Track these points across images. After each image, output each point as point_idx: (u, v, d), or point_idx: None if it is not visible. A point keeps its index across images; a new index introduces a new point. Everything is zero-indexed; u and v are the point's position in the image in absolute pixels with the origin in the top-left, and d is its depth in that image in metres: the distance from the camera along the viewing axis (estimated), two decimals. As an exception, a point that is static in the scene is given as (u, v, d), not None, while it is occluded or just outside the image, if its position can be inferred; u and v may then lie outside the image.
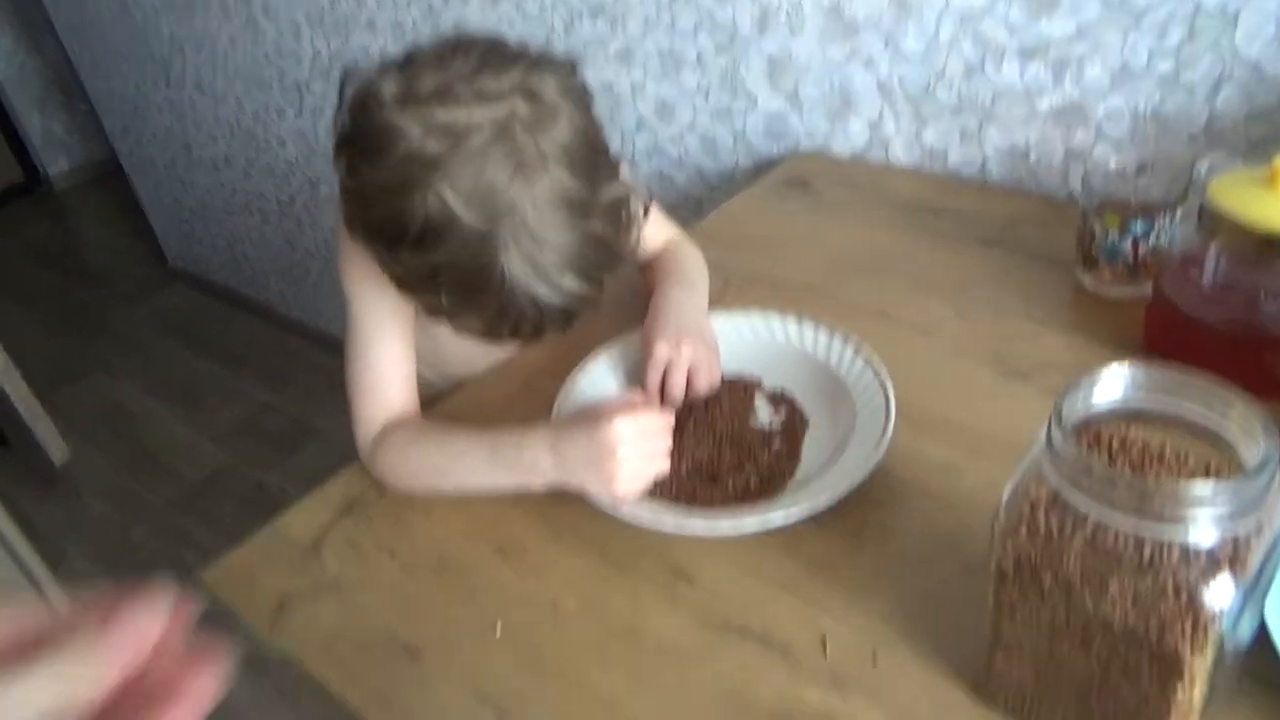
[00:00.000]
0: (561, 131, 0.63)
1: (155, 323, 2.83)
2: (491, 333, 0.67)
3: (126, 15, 2.32)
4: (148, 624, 0.31)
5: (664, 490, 0.70)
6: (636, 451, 0.66)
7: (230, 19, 2.02)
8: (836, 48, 1.13)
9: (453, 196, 0.60)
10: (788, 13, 1.14)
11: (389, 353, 0.78)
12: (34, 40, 3.65)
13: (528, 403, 0.83)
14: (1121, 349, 0.79)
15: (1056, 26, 0.95)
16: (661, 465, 0.68)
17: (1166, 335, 0.77)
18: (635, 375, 0.81)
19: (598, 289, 0.66)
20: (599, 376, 0.81)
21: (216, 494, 2.12)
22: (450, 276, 0.63)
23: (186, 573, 1.85)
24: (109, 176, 3.39)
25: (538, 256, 0.62)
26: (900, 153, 1.14)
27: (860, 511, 0.67)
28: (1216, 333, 0.72)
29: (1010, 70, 1.00)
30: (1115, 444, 0.49)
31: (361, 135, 0.63)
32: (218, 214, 2.60)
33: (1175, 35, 0.88)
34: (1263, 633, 0.52)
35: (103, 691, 0.30)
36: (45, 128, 3.84)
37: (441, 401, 0.85)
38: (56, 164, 3.90)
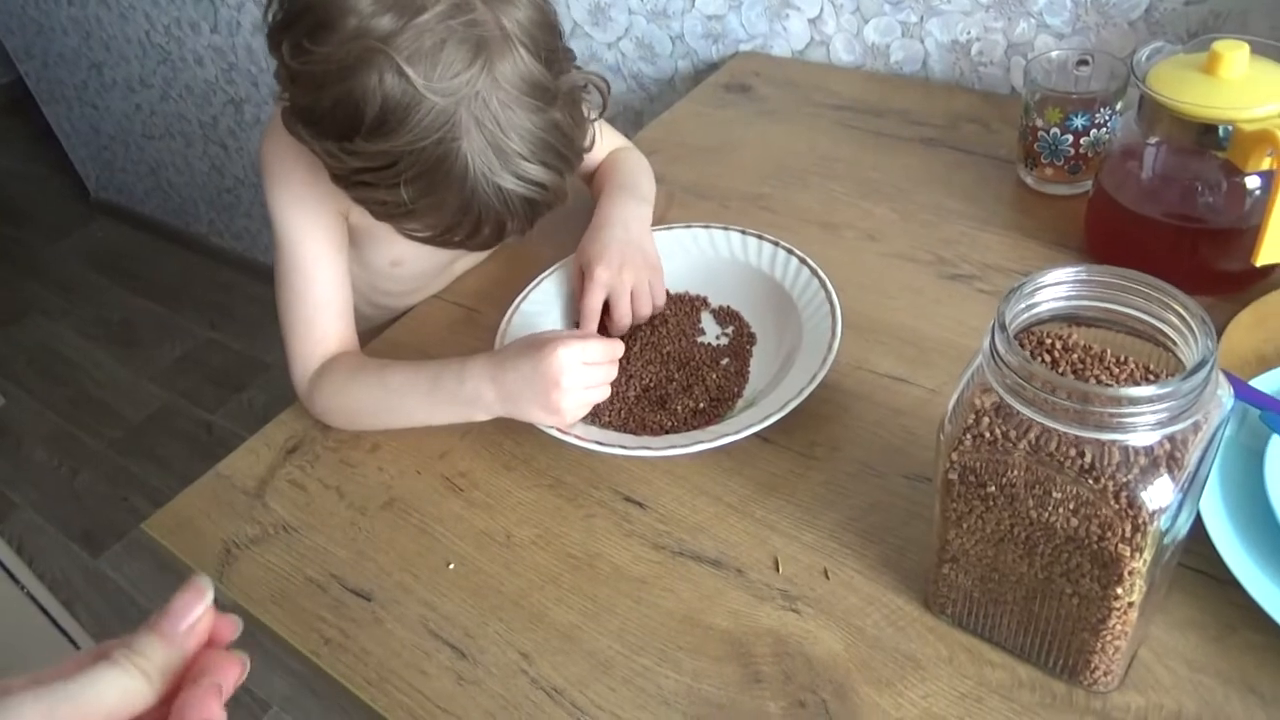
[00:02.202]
0: (522, 10, 0.60)
1: (83, 259, 2.72)
2: (451, 232, 0.63)
3: (15, -74, 2.15)
4: (200, 612, 0.34)
5: (613, 417, 0.69)
6: (580, 380, 0.64)
7: (130, -74, 1.88)
8: (772, -60, 1.08)
9: (413, 73, 0.56)
10: (721, -96, 1.09)
11: (323, 283, 0.74)
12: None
13: (470, 333, 0.82)
14: (1063, 248, 0.79)
15: (997, -89, 0.91)
16: (605, 392, 0.66)
17: (1107, 232, 0.76)
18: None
19: (561, 181, 0.64)
20: (544, 302, 0.79)
21: (161, 435, 2.08)
22: (410, 165, 0.58)
23: (135, 517, 1.83)
24: (18, 104, 3.20)
25: (502, 141, 0.59)
26: (841, 51, 1.11)
27: (809, 427, 0.67)
28: (1156, 227, 0.72)
29: (951, -41, 0.97)
30: (1058, 348, 0.49)
31: (305, 12, 0.58)
32: (137, 139, 2.47)
33: (1117, -83, 0.85)
34: (1199, 524, 0.53)
35: (171, 681, 0.32)
36: (-59, 53, 3.60)
37: (379, 336, 0.83)
38: (-42, 92, 3.67)
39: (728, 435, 0.62)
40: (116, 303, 2.52)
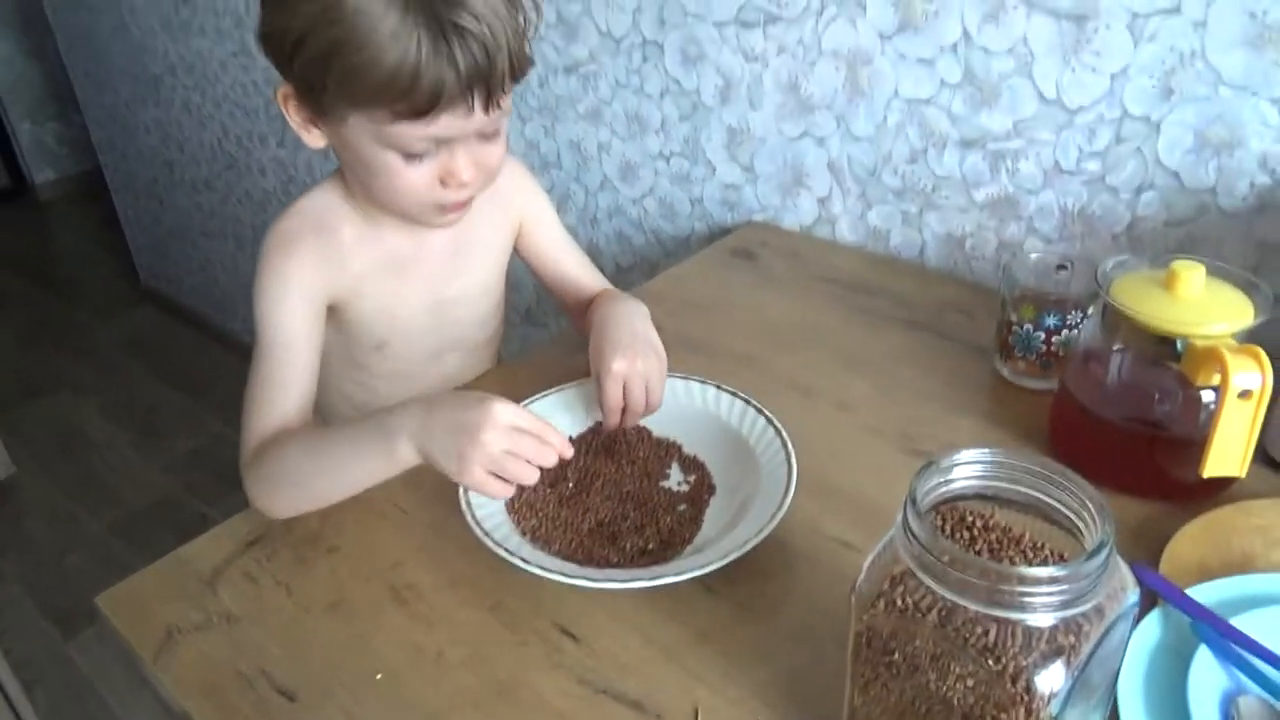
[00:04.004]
0: None
1: (122, 343, 2.82)
2: (394, 79, 0.65)
3: (125, 31, 2.36)
4: None
5: (564, 546, 0.70)
6: (505, 441, 0.63)
7: (224, 43, 2.06)
8: (791, 124, 1.16)
9: None
10: (748, 86, 1.18)
11: (290, 368, 0.78)
12: (34, 47, 3.70)
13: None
14: (1028, 439, 0.81)
15: (995, 121, 0.98)
16: (528, 476, 0.65)
17: (1070, 430, 0.78)
18: (588, 417, 0.84)
19: (505, 28, 0.67)
20: (548, 412, 0.82)
21: (157, 523, 2.10)
22: (318, 36, 0.65)
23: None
24: (93, 190, 3.41)
25: None
26: (846, 231, 1.17)
27: (753, 581, 0.68)
28: (1116, 430, 0.74)
29: (951, 159, 1.03)
30: (978, 526, 0.50)
31: None
32: (193, 236, 2.61)
33: (1104, 138, 0.92)
34: (1118, 727, 0.53)
35: None
36: (36, 136, 3.87)
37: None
38: (43, 173, 3.92)
39: (666, 576, 0.63)
40: (145, 388, 2.60)
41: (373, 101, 0.68)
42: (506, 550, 0.66)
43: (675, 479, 0.78)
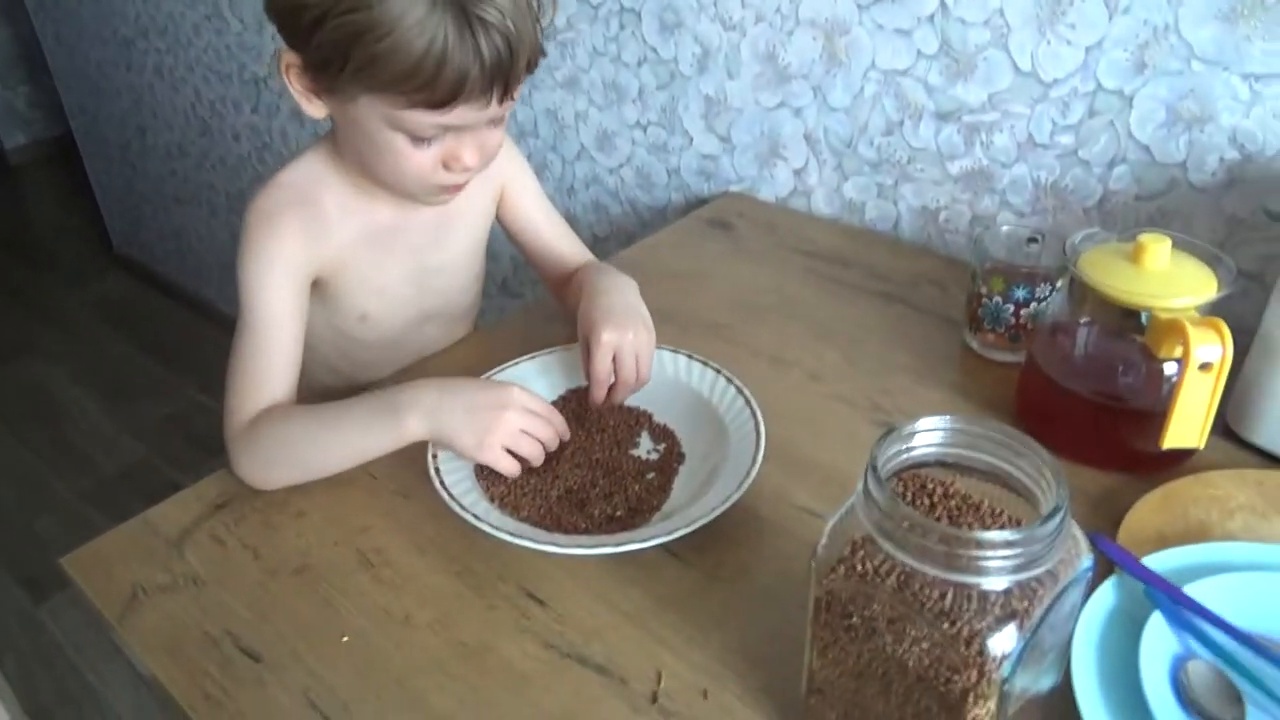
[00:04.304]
0: None
1: (94, 308, 2.79)
2: (418, 69, 0.65)
3: (93, -6, 2.31)
4: None
5: (532, 512, 0.70)
6: (523, 421, 0.69)
7: (196, 6, 2.02)
8: (769, 94, 1.16)
9: None
10: (726, 55, 1.17)
11: (277, 345, 0.77)
12: (4, 9, 3.62)
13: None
14: (995, 411, 0.82)
15: (971, 93, 0.98)
16: (539, 456, 0.71)
17: (1036, 402, 0.79)
18: (563, 383, 0.84)
19: (527, 29, 0.68)
20: (524, 378, 0.82)
21: (129, 490, 2.08)
22: (343, 19, 0.64)
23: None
24: (65, 155, 3.35)
25: None
26: (821, 203, 1.17)
27: (719, 549, 0.68)
28: (1080, 402, 0.75)
29: (926, 131, 1.03)
30: (938, 493, 0.51)
31: None
32: (167, 202, 2.58)
33: (1077, 112, 0.92)
34: (1071, 696, 0.54)
35: None
36: (6, 100, 3.80)
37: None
38: (14, 138, 3.85)
39: (632, 543, 0.64)
40: (117, 354, 2.57)
41: (391, 88, 0.68)
42: (474, 516, 0.66)
43: (645, 447, 0.78)
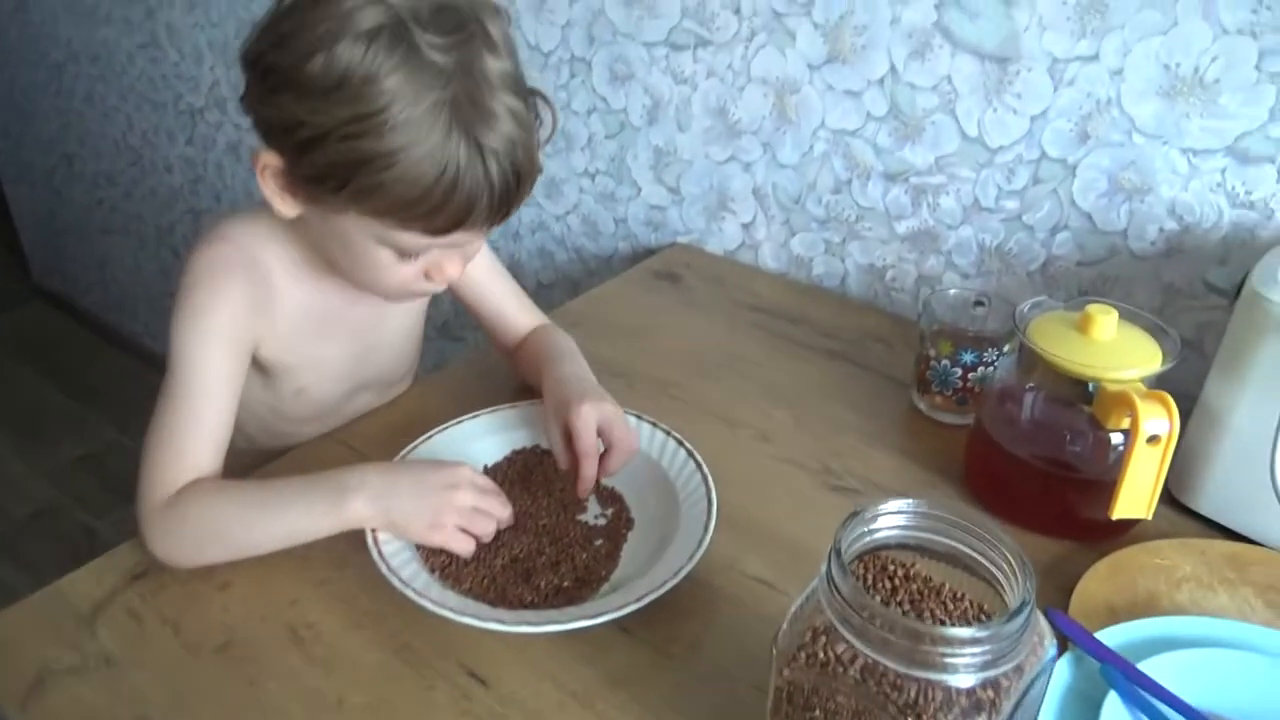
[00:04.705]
0: (494, 23, 0.65)
1: (8, 341, 2.65)
2: (425, 196, 0.62)
3: (24, 13, 2.23)
4: None
5: (475, 584, 0.67)
6: (474, 499, 0.68)
7: (132, 34, 1.96)
8: (718, 148, 1.16)
9: (415, 27, 0.60)
10: (677, 107, 1.17)
11: (211, 415, 0.72)
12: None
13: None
14: (943, 475, 0.82)
15: (919, 155, 0.99)
16: (491, 532, 0.69)
17: (984, 467, 0.79)
18: (507, 443, 0.81)
19: (533, 155, 0.66)
20: (467, 437, 0.79)
21: (38, 535, 1.97)
22: (402, 108, 0.60)
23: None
24: (-18, 181, 3.22)
25: (486, 100, 0.62)
26: (769, 257, 1.17)
27: (671, 622, 0.66)
28: (1028, 469, 0.75)
29: (874, 191, 1.04)
30: (899, 576, 0.50)
31: None
32: (92, 232, 2.48)
33: (1022, 178, 0.93)
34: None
35: None
36: (-80, 122, 3.63)
37: (263, 468, 0.81)
38: (-73, 161, 3.68)
39: (582, 620, 0.61)
40: (31, 390, 2.45)
41: (390, 215, 0.65)
42: (414, 591, 0.63)
43: (593, 512, 0.75)
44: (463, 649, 0.64)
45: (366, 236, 0.68)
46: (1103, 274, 0.92)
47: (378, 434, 0.86)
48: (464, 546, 0.67)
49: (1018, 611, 0.42)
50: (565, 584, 0.68)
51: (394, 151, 0.61)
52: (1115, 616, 0.63)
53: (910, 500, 0.48)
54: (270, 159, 0.67)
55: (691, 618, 0.67)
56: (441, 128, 0.61)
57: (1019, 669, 0.44)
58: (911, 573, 0.50)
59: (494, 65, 0.63)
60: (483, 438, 0.81)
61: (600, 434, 0.73)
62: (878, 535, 0.48)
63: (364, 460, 0.82)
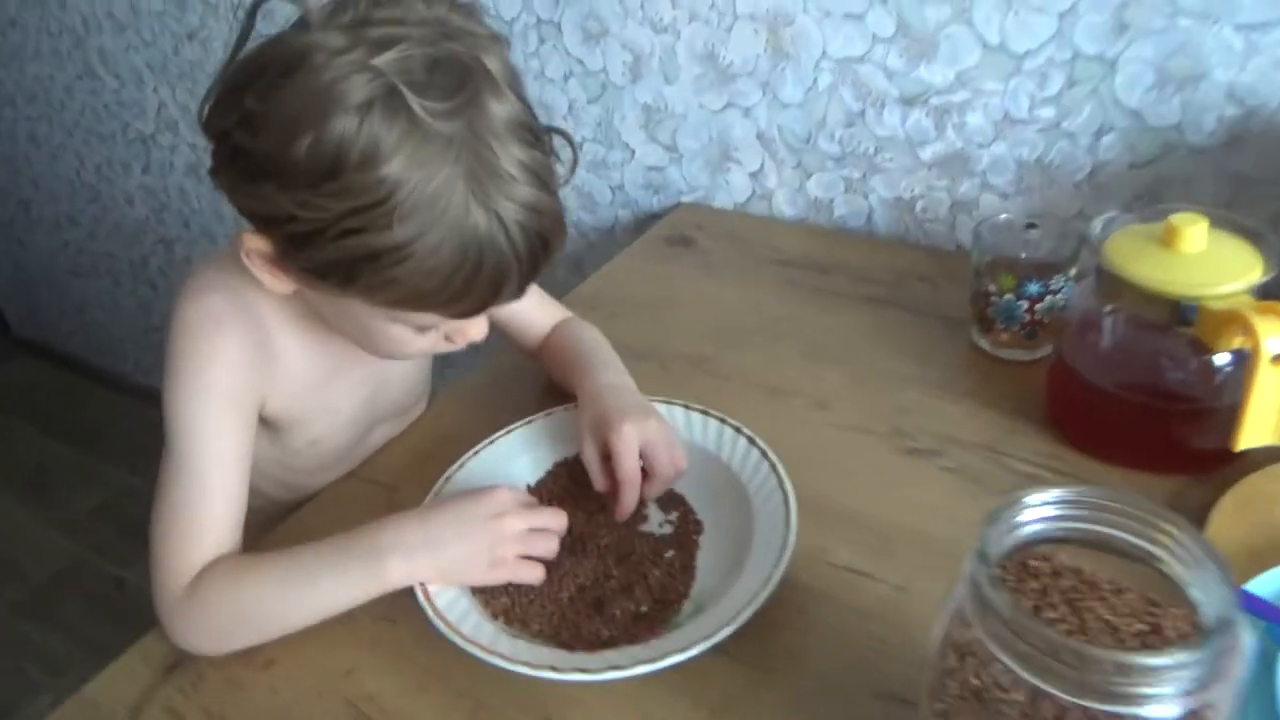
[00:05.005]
0: (495, 57, 0.56)
1: (-2, 400, 2.57)
2: (448, 282, 0.55)
3: (-54, 64, 2.11)
4: None
5: (544, 624, 0.61)
6: (526, 519, 0.62)
7: (65, 66, 1.85)
8: (713, 96, 1.07)
9: (410, 94, 0.51)
10: (660, 59, 1.08)
11: (224, 493, 0.64)
12: None
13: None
14: (1023, 417, 0.75)
15: (936, 73, 0.91)
16: (552, 549, 0.63)
17: (1069, 403, 0.72)
18: (548, 457, 0.74)
19: (558, 210, 0.58)
20: (504, 457, 0.73)
21: (67, 593, 1.91)
22: (407, 195, 0.52)
23: (30, 691, 1.65)
24: (-58, 237, 3.10)
25: (498, 167, 0.54)
26: (784, 205, 1.09)
27: (764, 633, 0.59)
28: (1120, 402, 0.68)
29: (892, 119, 0.96)
30: (1045, 573, 0.43)
31: (273, 60, 0.53)
32: (63, 277, 2.38)
33: (1056, 82, 0.85)
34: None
35: None
36: None
37: (285, 520, 0.75)
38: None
39: (674, 655, 0.55)
40: (30, 446, 2.37)
41: (405, 305, 0.58)
42: (482, 648, 0.57)
43: (655, 520, 0.69)
44: (544, 698, 0.58)
45: (378, 317, 0.60)
46: (1159, 174, 0.85)
47: (403, 464, 0.79)
48: (533, 575, 0.62)
49: (1223, 627, 0.35)
50: (643, 609, 0.61)
51: (405, 244, 0.53)
52: (1260, 560, 0.57)
53: (1061, 490, 0.41)
54: (257, 244, 0.58)
55: (786, 625, 0.60)
56: (457, 207, 0.53)
57: (1224, 679, 0.37)
58: (1058, 566, 0.43)
59: (501, 114, 0.54)
60: (520, 455, 0.74)
61: (641, 456, 0.66)
62: (1023, 532, 0.41)
63: (394, 494, 0.76)
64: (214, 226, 1.84)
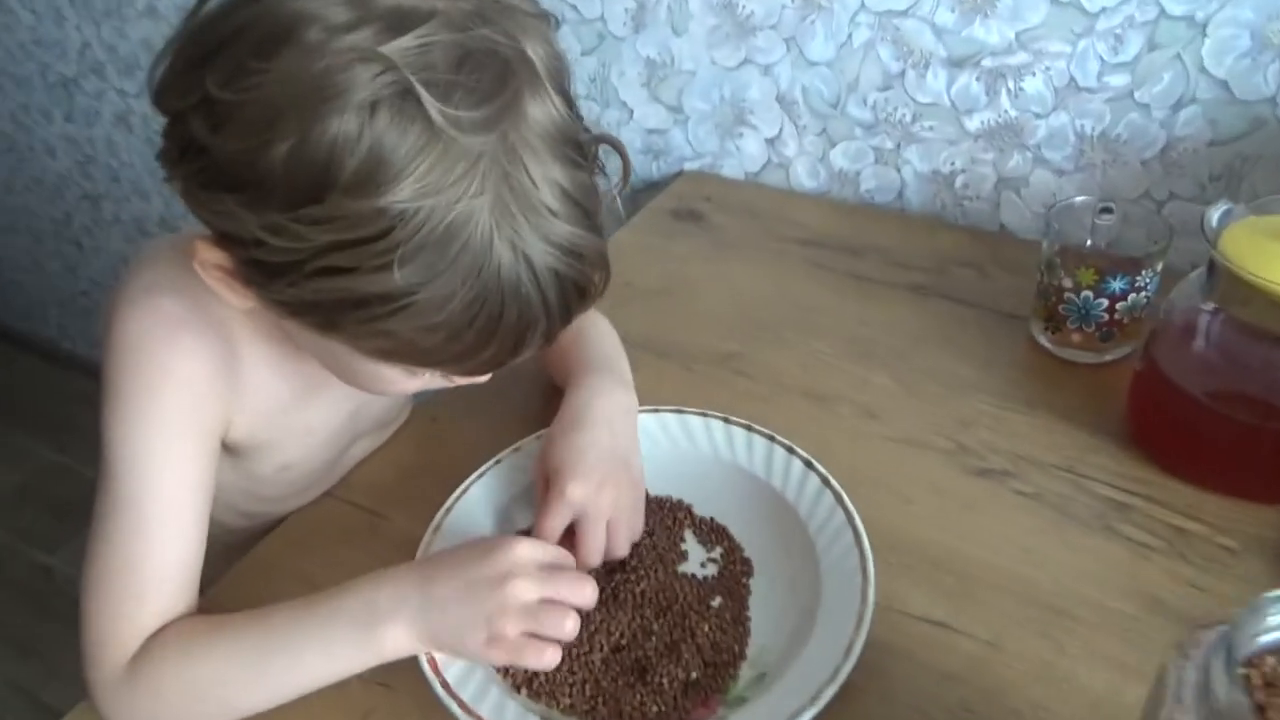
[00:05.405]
0: (539, 42, 0.44)
1: (-93, 366, 2.36)
2: (455, 339, 0.43)
3: None
4: None
5: (576, 695, 0.50)
6: (539, 588, 0.48)
7: (-31, 4, 1.65)
8: (728, 51, 0.95)
9: (426, 95, 0.38)
10: (668, 7, 0.96)
11: (177, 541, 0.51)
12: None
13: (374, 546, 0.62)
14: (1101, 432, 0.66)
15: (993, 32, 0.80)
16: (571, 627, 0.48)
17: (1159, 417, 0.64)
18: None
19: (601, 253, 0.46)
20: (484, 501, 0.61)
21: (-11, 585, 1.76)
22: (412, 232, 0.39)
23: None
24: None
25: (534, 198, 0.42)
26: (803, 176, 0.98)
27: (838, 703, 0.49)
28: (1224, 417, 0.60)
29: (936, 83, 0.85)
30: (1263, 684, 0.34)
31: (249, 27, 0.41)
32: (-23, 234, 2.18)
33: (1133, 46, 0.75)
34: None
35: None
36: None
37: (245, 554, 0.62)
38: None
39: (746, 746, 0.45)
40: (-58, 419, 2.18)
41: (399, 358, 0.46)
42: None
43: (696, 558, 0.58)
44: (578, 790, 0.48)
45: (364, 360, 0.47)
46: (1240, 153, 0.76)
47: (388, 482, 0.67)
48: (540, 659, 0.48)
49: None
50: (693, 675, 0.51)
51: (406, 292, 0.40)
52: None
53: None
54: (213, 256, 0.45)
55: (862, 693, 0.51)
56: (476, 248, 0.41)
57: None
58: (1272, 673, 0.34)
59: (543, 124, 0.42)
60: (528, 476, 0.62)
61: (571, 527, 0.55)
62: (1262, 637, 0.32)
63: (379, 520, 0.64)
64: (146, 183, 1.67)
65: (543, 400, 0.70)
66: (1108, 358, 0.71)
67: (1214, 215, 0.58)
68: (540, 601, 0.48)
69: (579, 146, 0.44)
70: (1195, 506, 0.60)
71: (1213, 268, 0.58)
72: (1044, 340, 0.73)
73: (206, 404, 0.52)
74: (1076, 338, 0.70)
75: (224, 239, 0.43)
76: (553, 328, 0.45)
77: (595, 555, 0.55)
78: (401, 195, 0.39)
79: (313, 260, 0.40)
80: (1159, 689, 0.35)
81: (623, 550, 0.56)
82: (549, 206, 0.42)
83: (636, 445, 0.60)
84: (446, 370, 0.48)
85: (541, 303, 0.43)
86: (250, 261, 0.42)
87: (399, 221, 0.39)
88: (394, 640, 0.48)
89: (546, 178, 0.42)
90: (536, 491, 0.57)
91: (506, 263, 0.41)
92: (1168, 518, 0.60)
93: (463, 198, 0.40)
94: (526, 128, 0.42)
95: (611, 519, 0.55)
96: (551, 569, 0.50)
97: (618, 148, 0.50)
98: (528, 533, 0.55)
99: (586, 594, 0.50)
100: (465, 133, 0.39)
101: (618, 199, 0.52)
